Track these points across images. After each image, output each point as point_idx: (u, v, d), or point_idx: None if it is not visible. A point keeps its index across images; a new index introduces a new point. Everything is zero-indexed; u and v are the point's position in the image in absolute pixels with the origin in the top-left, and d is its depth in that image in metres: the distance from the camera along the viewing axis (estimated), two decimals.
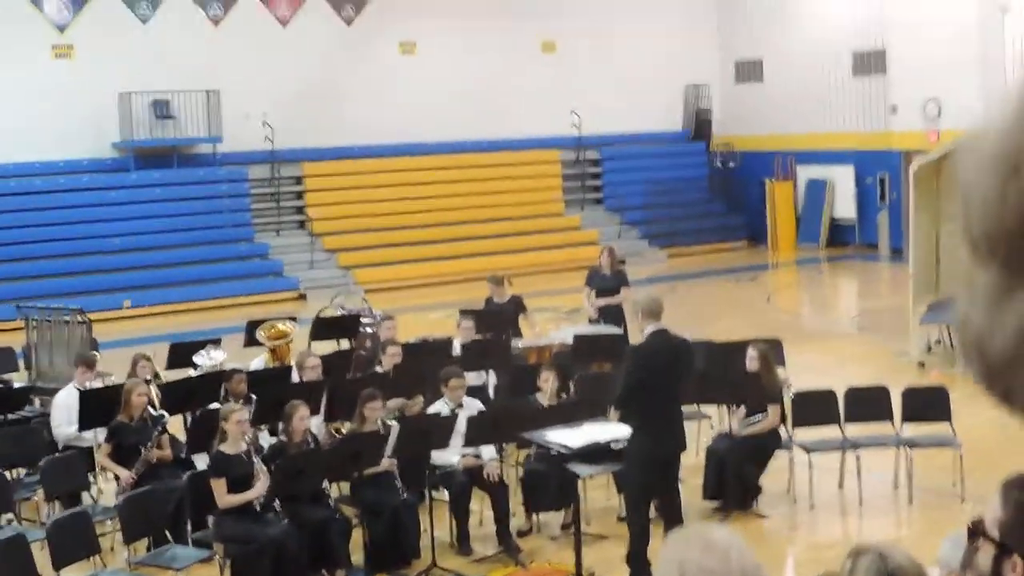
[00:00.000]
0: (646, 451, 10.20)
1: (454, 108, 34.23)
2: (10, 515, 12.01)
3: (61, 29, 30.34)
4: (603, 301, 17.69)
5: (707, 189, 38.55)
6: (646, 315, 10.35)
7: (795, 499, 13.08)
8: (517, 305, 17.52)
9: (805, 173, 36.54)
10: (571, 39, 36.44)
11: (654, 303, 10.46)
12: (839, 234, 35.98)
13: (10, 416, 14.14)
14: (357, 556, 11.44)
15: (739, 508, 12.75)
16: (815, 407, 13.32)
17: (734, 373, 13.33)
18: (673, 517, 10.44)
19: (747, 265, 33.66)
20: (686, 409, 13.85)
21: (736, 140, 38.35)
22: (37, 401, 14.90)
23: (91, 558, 10.60)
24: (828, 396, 13.43)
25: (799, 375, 15.32)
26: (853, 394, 13.53)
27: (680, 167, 38.03)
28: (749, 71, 38.35)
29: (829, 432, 13.37)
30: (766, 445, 12.89)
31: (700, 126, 38.94)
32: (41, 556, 10.00)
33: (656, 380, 10.13)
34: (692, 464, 13.24)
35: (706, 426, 14.37)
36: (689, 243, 35.89)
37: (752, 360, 13.08)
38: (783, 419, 13.08)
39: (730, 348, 14.42)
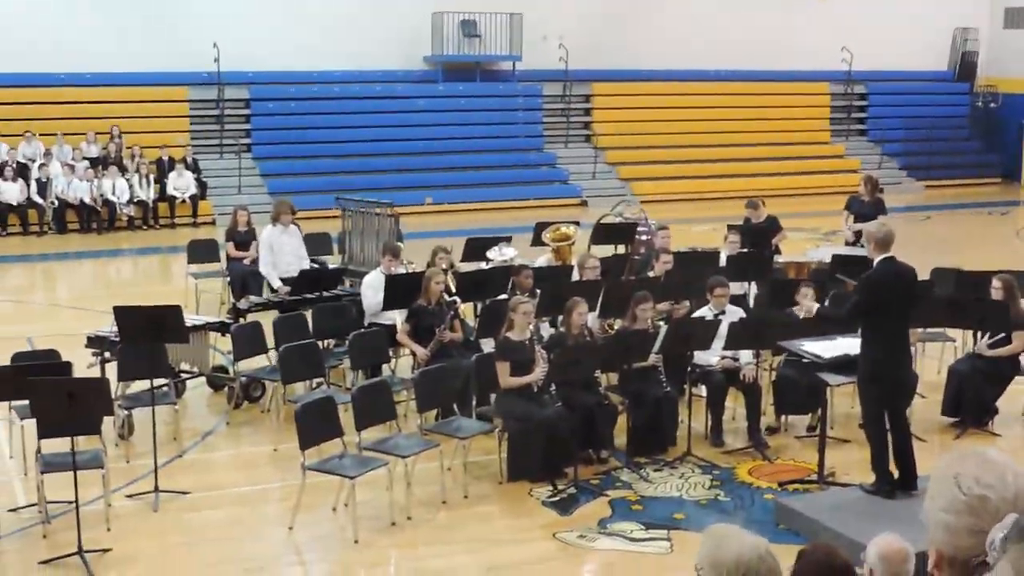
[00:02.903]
0: (877, 369, 10.01)
1: (734, 40, 33.78)
2: (321, 380, 12.54)
3: None
4: (860, 225, 17.35)
5: (967, 127, 37.32)
6: (878, 245, 10.04)
7: None
8: (773, 224, 17.32)
9: None
10: None
11: (886, 234, 10.14)
12: None
13: (324, 294, 14.64)
14: (620, 440, 11.61)
15: (975, 425, 12.48)
16: None
17: (980, 300, 12.96)
18: (898, 431, 10.21)
19: (999, 201, 32.50)
20: (933, 331, 13.62)
21: (999, 82, 36.96)
22: (348, 282, 15.29)
23: (388, 423, 11.02)
24: None
25: None
26: None
27: (942, 105, 37.01)
28: (1019, 17, 36.79)
29: None
30: (1006, 370, 12.56)
31: (965, 67, 37.66)
32: (346, 416, 10.38)
33: (885, 306, 9.90)
34: (934, 381, 12.98)
35: (951, 348, 14.06)
36: (945, 176, 34.90)
37: (997, 290, 12.69)
38: None
39: (978, 277, 14.01)
